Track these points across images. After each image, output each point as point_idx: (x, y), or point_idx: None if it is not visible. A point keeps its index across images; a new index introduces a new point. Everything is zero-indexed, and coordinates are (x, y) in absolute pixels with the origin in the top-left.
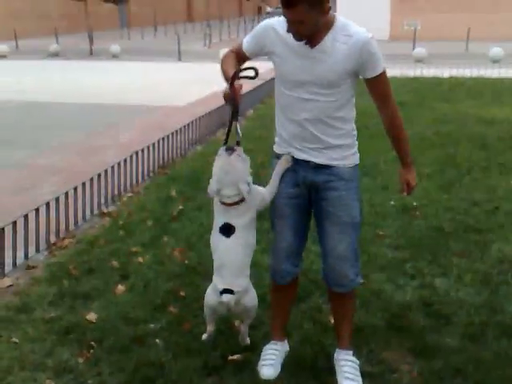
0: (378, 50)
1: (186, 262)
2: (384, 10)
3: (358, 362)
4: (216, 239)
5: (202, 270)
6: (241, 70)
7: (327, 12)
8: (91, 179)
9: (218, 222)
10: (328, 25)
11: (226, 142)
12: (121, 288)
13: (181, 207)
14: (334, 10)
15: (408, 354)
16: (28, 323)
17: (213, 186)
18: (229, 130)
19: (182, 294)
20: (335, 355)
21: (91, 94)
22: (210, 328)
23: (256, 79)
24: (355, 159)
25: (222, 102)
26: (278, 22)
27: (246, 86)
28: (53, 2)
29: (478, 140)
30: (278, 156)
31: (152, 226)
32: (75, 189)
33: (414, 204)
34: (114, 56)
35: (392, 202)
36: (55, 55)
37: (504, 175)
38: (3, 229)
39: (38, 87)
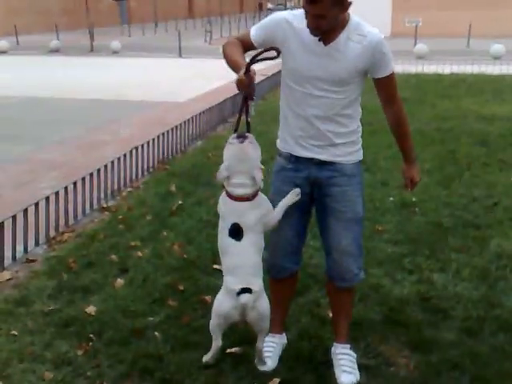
0: (389, 50)
1: (185, 256)
2: (385, 7)
3: (355, 355)
4: (226, 243)
5: (201, 264)
6: (260, 53)
7: (347, 8)
8: (91, 174)
9: (227, 222)
10: (343, 23)
11: (236, 130)
12: (120, 282)
13: (180, 202)
14: None
15: (405, 347)
16: (27, 316)
17: (223, 172)
18: (239, 118)
19: (181, 287)
20: (332, 349)
21: (92, 89)
22: (217, 343)
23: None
24: (359, 155)
25: (222, 97)
26: (293, 16)
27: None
28: None
29: (478, 136)
30: (281, 153)
31: (151, 220)
32: (75, 183)
33: (414, 200)
34: (115, 52)
35: (391, 198)
36: (56, 51)
37: (504, 171)
38: (3, 223)
39: (38, 83)
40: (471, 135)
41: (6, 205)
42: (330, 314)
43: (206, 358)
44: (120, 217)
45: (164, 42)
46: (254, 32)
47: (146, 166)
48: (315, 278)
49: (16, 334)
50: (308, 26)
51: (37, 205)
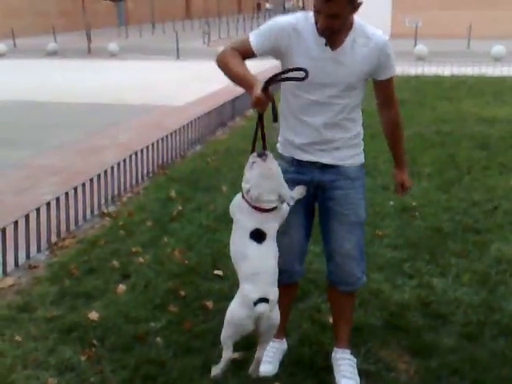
0: (393, 52)
1: (186, 262)
2: (385, 7)
3: (355, 360)
4: (244, 246)
5: (202, 270)
6: (283, 72)
7: (357, 9)
8: (91, 179)
9: (247, 227)
10: (348, 26)
11: (252, 150)
12: (122, 287)
13: (180, 208)
14: None
15: (405, 352)
16: (30, 322)
17: (253, 192)
18: (255, 137)
19: (182, 293)
20: (333, 354)
21: (90, 93)
22: (227, 355)
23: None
24: (361, 158)
25: (221, 101)
26: (298, 21)
27: None
28: (50, 0)
29: (478, 139)
30: (283, 157)
31: (152, 226)
32: (75, 189)
33: (414, 204)
34: (112, 55)
35: (391, 202)
36: (53, 54)
37: (504, 175)
38: (4, 229)
39: (36, 86)
40: (471, 138)
41: (7, 211)
42: (331, 320)
43: (214, 372)
44: (120, 223)
45: (161, 44)
46: (255, 39)
47: (145, 171)
48: (316, 283)
49: (19, 340)
50: (318, 28)
51: (38, 210)
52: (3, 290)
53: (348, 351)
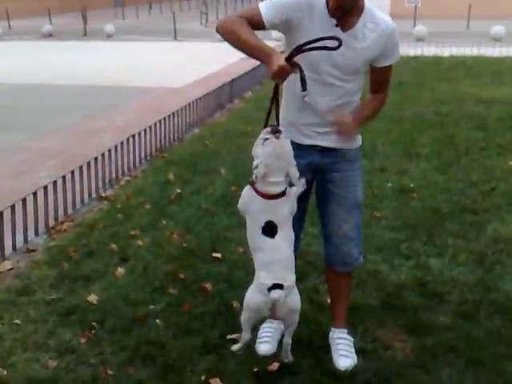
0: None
1: (185, 244)
2: None
3: (352, 339)
4: (259, 240)
5: (201, 253)
6: (315, 41)
7: None
8: (88, 163)
9: (258, 221)
10: (359, 9)
11: (265, 125)
12: (120, 270)
13: (179, 191)
14: None
15: (402, 331)
16: (29, 305)
17: (261, 170)
18: (270, 111)
19: (181, 276)
20: (330, 334)
21: (86, 75)
22: (247, 336)
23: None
24: (359, 141)
25: (219, 82)
26: None
27: (244, 67)
28: None
29: (476, 120)
30: None
31: (150, 209)
32: (73, 172)
33: (412, 185)
34: (109, 36)
35: (389, 184)
36: (49, 36)
37: (502, 156)
38: (2, 212)
39: (32, 69)
40: (470, 119)
41: (4, 194)
42: (329, 300)
43: (234, 348)
44: (119, 206)
45: (159, 25)
46: (267, 11)
47: (143, 154)
48: (314, 265)
49: (19, 323)
50: (330, 8)
51: (35, 194)
52: (2, 274)
53: (345, 331)
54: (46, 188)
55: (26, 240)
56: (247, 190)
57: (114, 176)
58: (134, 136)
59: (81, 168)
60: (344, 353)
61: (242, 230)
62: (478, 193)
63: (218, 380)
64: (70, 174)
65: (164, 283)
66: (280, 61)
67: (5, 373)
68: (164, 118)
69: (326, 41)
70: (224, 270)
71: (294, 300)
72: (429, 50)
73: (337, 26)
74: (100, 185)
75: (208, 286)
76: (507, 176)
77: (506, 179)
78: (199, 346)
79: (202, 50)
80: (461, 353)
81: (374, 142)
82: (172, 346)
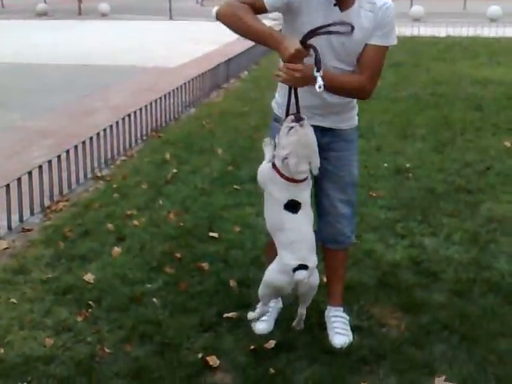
0: (395, 23)
1: (181, 224)
2: None
3: (348, 317)
4: (281, 217)
5: (197, 232)
6: (328, 25)
7: None
8: (83, 142)
9: (281, 198)
10: None
11: (287, 113)
12: (117, 250)
13: (175, 170)
14: None
15: (397, 309)
16: (25, 284)
17: (291, 160)
18: (289, 98)
19: (178, 255)
20: (326, 312)
21: (80, 54)
22: (264, 309)
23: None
24: (355, 121)
25: (215, 62)
26: None
27: (240, 47)
28: None
29: (472, 101)
30: (279, 120)
31: (147, 189)
32: (67, 152)
33: (407, 165)
34: (104, 15)
35: (385, 164)
36: (43, 14)
37: (497, 136)
38: None
39: (25, 48)
40: (465, 99)
41: None
42: (325, 279)
43: (250, 317)
44: (115, 186)
45: (154, 3)
46: None
47: (139, 134)
48: None
49: (15, 302)
50: None
51: (30, 174)
52: None
53: (341, 309)
54: (41, 168)
55: (21, 219)
56: (268, 169)
57: (109, 156)
58: (129, 116)
59: (76, 148)
60: (340, 330)
61: (239, 210)
62: (473, 173)
63: (214, 357)
64: (65, 154)
65: (161, 262)
66: (296, 44)
67: (2, 351)
68: (160, 98)
69: (337, 26)
70: (221, 249)
71: (315, 279)
72: (425, 31)
73: (335, 5)
74: (96, 164)
75: (205, 265)
76: (502, 156)
77: (500, 159)
78: (196, 324)
79: (197, 29)
80: (455, 330)
81: (371, 122)
82: (169, 325)
